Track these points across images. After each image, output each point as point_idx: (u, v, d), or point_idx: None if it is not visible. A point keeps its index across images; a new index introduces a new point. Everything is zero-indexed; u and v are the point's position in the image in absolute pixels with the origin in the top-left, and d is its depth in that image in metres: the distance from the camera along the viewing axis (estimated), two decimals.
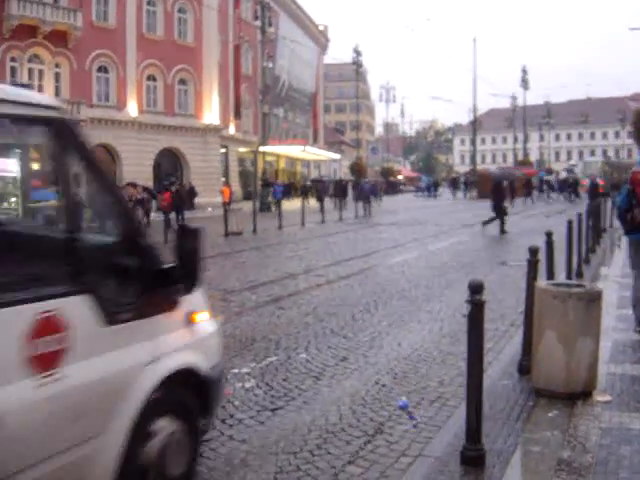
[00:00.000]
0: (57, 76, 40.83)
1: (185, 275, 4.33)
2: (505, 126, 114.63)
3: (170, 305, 4.38)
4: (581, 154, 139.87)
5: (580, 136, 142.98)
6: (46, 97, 3.94)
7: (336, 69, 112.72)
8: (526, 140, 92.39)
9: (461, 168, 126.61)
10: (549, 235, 9.59)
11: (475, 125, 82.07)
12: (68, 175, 3.83)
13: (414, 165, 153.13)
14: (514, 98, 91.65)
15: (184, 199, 31.63)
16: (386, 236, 25.49)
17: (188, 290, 4.45)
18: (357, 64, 70.37)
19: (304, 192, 47.68)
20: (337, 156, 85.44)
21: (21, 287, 3.37)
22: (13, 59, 38.36)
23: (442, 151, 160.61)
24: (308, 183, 58.47)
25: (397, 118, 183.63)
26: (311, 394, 6.87)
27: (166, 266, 4.28)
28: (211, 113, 50.30)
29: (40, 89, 39.72)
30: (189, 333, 4.56)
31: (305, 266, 16.94)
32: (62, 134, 3.79)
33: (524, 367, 7.29)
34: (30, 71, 39.51)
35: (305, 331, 9.66)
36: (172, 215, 26.66)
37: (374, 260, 18.13)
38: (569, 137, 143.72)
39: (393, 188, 79.92)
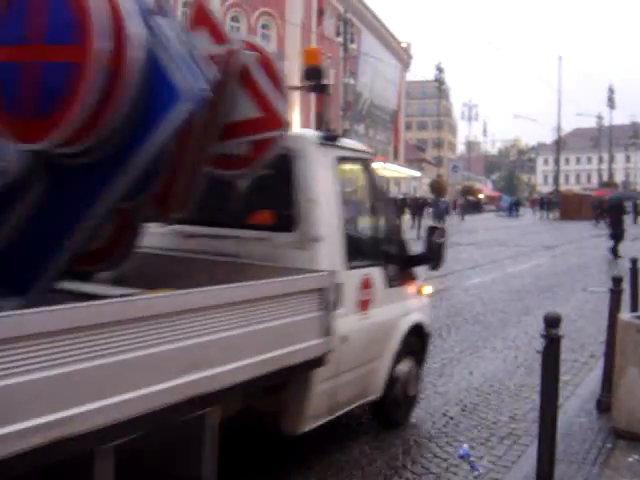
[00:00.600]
0: None
1: (432, 259, 6.58)
2: (590, 146, 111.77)
3: (413, 280, 6.76)
4: None
5: None
6: (362, 144, 6.82)
7: (418, 86, 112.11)
8: (612, 161, 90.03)
9: (544, 188, 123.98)
10: (634, 262, 9.03)
11: (559, 145, 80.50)
12: (373, 194, 6.42)
13: (496, 184, 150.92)
14: (600, 118, 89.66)
15: None
16: (464, 256, 24.86)
17: (434, 268, 6.73)
18: (439, 81, 69.80)
19: None
20: (417, 174, 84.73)
21: (359, 260, 5.87)
22: None
23: (525, 170, 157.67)
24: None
25: (479, 136, 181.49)
26: (375, 424, 6.54)
27: (413, 253, 6.71)
28: (293, 128, 50.39)
29: None
30: (419, 300, 6.89)
31: None
32: (370, 168, 6.32)
33: (603, 404, 6.84)
34: None
35: None
36: None
37: (450, 281, 17.64)
38: None
39: (475, 207, 78.38)
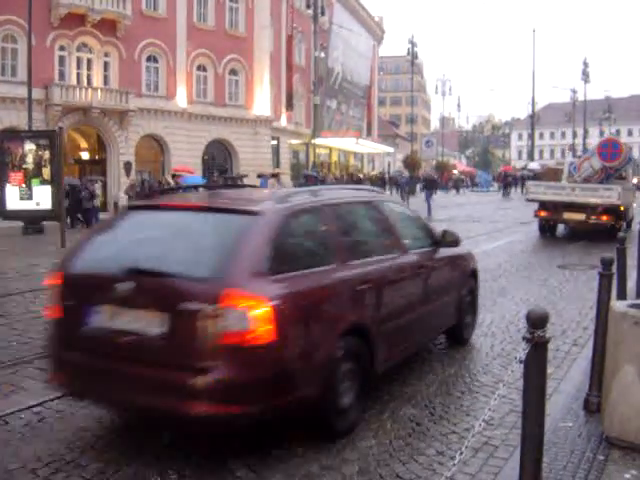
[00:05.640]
0: (106, 65, 40.11)
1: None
2: (564, 121, 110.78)
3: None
4: None
5: None
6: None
7: (392, 61, 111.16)
8: (586, 135, 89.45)
9: (518, 163, 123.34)
10: (622, 241, 8.17)
11: (533, 119, 79.79)
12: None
13: (470, 160, 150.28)
14: (574, 92, 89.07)
15: None
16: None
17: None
18: (412, 56, 68.59)
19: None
20: (390, 149, 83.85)
21: None
22: (62, 48, 37.76)
23: (499, 146, 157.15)
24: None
25: (454, 112, 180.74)
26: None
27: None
28: (262, 104, 49.25)
29: (89, 79, 39.18)
30: None
31: None
32: None
33: (591, 404, 5.96)
34: (79, 60, 38.92)
35: None
36: None
37: None
38: (630, 133, 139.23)
39: (455, 183, 76.37)
